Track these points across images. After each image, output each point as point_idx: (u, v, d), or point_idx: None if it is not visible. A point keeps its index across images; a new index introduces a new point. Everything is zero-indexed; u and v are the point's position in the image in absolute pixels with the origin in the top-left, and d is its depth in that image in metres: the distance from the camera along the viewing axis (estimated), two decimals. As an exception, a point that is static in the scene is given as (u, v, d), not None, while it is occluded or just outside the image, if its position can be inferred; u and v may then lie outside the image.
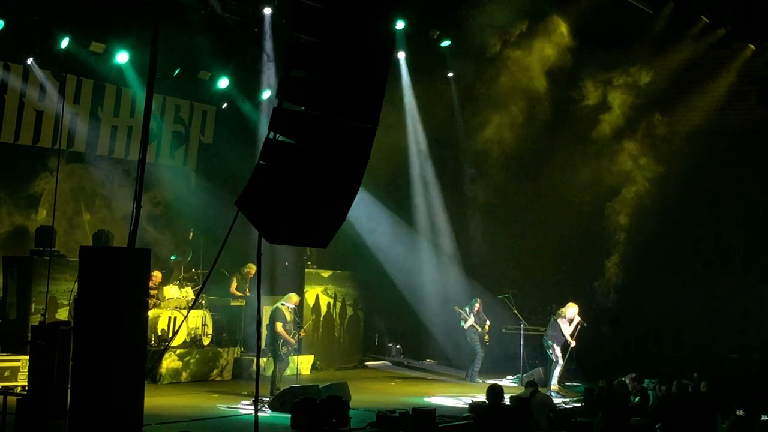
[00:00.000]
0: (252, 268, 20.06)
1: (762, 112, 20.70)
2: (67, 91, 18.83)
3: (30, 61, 18.18)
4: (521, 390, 16.24)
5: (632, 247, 21.44)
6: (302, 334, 17.35)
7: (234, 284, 20.20)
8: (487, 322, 20.90)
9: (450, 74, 22.98)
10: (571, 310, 19.72)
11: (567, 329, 19.54)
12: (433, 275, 23.64)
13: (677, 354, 20.55)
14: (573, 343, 19.60)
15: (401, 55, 21.84)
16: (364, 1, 9.98)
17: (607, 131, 21.85)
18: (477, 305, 20.89)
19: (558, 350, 19.54)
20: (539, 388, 14.95)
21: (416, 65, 22.29)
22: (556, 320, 19.75)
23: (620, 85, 21.54)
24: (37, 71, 18.38)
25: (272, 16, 19.27)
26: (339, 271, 22.76)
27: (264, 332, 16.42)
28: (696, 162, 21.14)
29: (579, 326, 19.72)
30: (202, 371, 18.99)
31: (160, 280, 18.78)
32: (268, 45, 19.69)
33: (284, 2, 18.79)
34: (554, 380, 19.26)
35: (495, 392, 12.47)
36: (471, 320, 20.60)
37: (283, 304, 16.87)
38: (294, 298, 17.23)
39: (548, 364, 19.89)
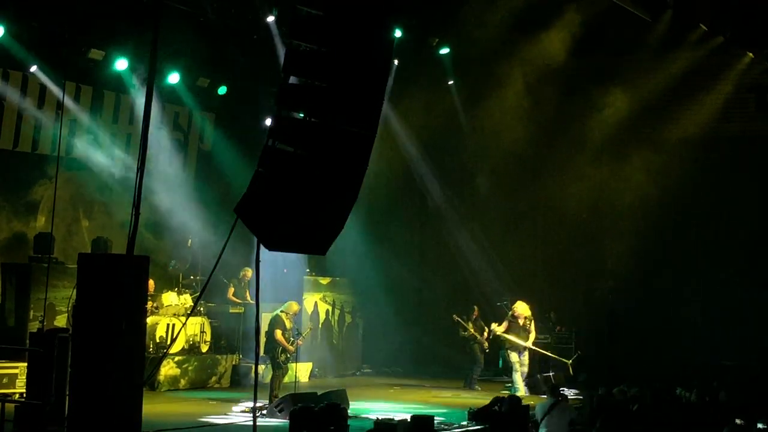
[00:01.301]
0: (248, 272, 20.08)
1: (761, 119, 20.73)
2: (67, 98, 18.83)
3: (32, 68, 18.17)
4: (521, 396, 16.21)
5: (632, 253, 21.45)
6: (300, 342, 17.33)
7: (231, 290, 20.19)
8: (486, 330, 20.88)
9: (450, 82, 22.99)
10: (517, 307, 19.74)
11: (510, 326, 19.59)
12: (430, 282, 23.64)
13: (676, 360, 20.53)
14: (527, 344, 19.59)
15: (400, 63, 21.85)
16: (363, 9, 10.00)
17: (607, 138, 21.90)
18: (474, 312, 20.89)
19: (512, 355, 19.53)
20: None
21: (415, 73, 22.30)
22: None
23: (620, 92, 21.58)
24: (37, 78, 18.37)
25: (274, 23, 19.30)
26: (338, 278, 22.74)
27: (263, 339, 16.41)
28: (695, 168, 21.17)
29: (526, 324, 19.62)
30: (200, 378, 18.96)
31: (153, 289, 18.70)
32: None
33: (284, 10, 18.81)
34: (519, 386, 19.25)
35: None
36: (470, 328, 20.58)
37: (282, 312, 16.86)
38: (294, 306, 17.20)
39: (540, 370, 20.02)
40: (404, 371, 22.86)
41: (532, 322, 19.86)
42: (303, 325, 19.36)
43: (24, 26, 17.26)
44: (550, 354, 20.57)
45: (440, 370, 22.33)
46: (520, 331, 19.72)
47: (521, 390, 19.02)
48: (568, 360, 20.65)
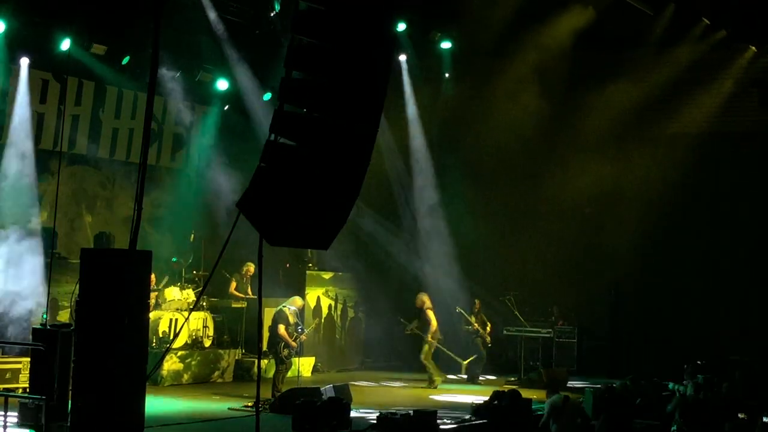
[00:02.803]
0: (250, 267, 20.10)
1: (764, 114, 20.71)
2: (69, 93, 18.83)
3: (31, 63, 18.17)
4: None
5: (634, 248, 21.45)
6: (303, 337, 17.33)
7: (233, 285, 20.19)
8: (488, 325, 20.89)
9: (446, 75, 22.99)
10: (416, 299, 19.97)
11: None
12: (435, 277, 23.61)
13: (679, 355, 20.54)
14: (427, 337, 19.65)
15: (402, 57, 21.85)
16: (365, 3, 9.99)
17: (609, 133, 21.88)
18: (476, 306, 20.90)
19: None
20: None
21: (416, 67, 22.32)
22: None
23: (622, 86, 21.56)
24: (38, 73, 18.37)
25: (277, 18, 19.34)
26: (340, 273, 22.74)
27: (266, 334, 16.43)
28: (698, 163, 21.16)
29: (422, 315, 19.75)
30: (203, 373, 18.99)
31: (153, 283, 18.68)
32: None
33: (286, 5, 18.81)
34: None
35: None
36: (473, 321, 20.60)
37: (285, 307, 16.86)
38: (298, 301, 17.20)
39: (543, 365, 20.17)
40: (407, 365, 22.82)
41: (423, 312, 19.80)
42: (306, 320, 19.37)
43: (26, 21, 17.26)
44: (447, 351, 20.67)
45: (443, 365, 22.30)
46: (422, 322, 19.82)
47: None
48: (464, 361, 20.69)
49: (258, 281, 9.99)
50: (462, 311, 20.81)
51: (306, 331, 17.65)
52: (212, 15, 18.70)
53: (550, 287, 22.65)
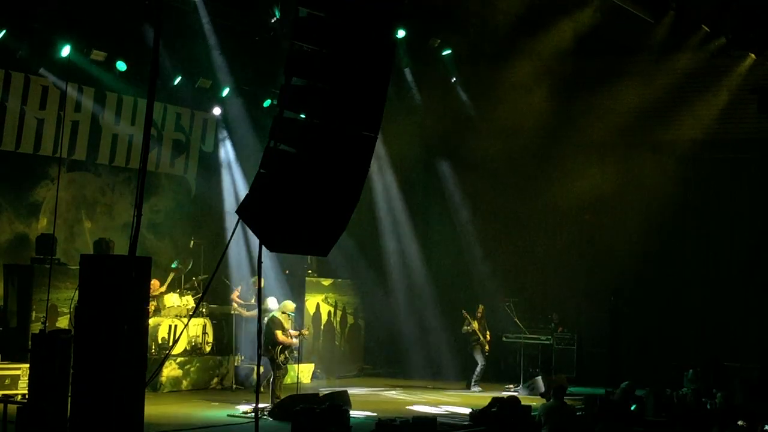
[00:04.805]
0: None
1: (763, 121, 20.73)
2: (68, 99, 18.83)
3: (33, 70, 18.19)
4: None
5: (634, 255, 21.44)
6: (305, 332, 17.24)
7: (236, 292, 20.09)
8: (488, 333, 20.87)
9: (453, 79, 23.02)
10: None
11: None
12: (433, 282, 23.62)
13: (677, 362, 20.53)
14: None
15: (402, 64, 21.88)
16: (366, 10, 10.00)
17: (610, 139, 21.89)
18: (479, 311, 20.86)
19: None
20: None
21: (417, 73, 22.34)
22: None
23: (622, 93, 21.58)
24: (38, 79, 18.38)
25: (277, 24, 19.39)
26: (339, 280, 22.74)
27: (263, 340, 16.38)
28: (697, 170, 21.17)
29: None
30: (202, 379, 18.96)
31: (157, 289, 18.66)
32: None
33: (285, 10, 18.85)
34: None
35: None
36: (475, 325, 20.58)
37: (278, 312, 16.79)
38: (289, 305, 17.08)
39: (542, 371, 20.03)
40: (406, 372, 22.84)
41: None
42: (304, 326, 19.35)
43: (26, 28, 17.27)
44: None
45: (442, 371, 22.32)
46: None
47: None
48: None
49: (257, 287, 9.98)
50: (467, 314, 20.76)
51: (306, 327, 17.58)
52: (211, 21, 18.72)
53: (550, 294, 22.64)
